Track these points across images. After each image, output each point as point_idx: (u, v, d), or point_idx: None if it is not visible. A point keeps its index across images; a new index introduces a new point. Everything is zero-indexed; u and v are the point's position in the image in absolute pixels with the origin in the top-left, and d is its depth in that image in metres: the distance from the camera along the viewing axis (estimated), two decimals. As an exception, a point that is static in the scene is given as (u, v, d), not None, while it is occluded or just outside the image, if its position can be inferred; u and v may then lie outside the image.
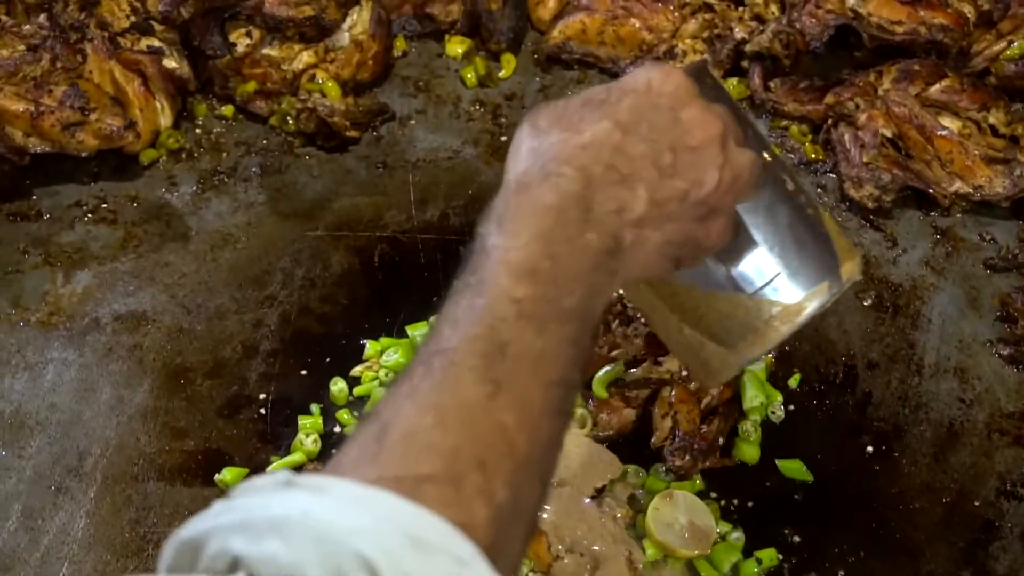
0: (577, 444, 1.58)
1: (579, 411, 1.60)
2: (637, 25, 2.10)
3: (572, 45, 2.13)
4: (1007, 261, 1.84)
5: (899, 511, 1.58)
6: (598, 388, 1.60)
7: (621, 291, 1.68)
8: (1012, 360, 1.72)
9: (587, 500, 1.52)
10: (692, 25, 2.10)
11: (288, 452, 1.62)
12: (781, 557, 1.52)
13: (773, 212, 1.14)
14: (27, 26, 1.95)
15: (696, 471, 1.58)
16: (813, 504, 1.58)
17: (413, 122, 2.07)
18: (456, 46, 2.17)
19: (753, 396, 1.64)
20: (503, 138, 2.04)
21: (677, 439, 1.57)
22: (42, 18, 1.97)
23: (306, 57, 2.05)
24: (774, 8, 2.10)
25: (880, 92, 1.94)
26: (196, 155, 2.01)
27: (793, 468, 1.60)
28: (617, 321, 1.63)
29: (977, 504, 1.58)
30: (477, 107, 2.09)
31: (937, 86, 1.94)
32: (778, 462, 1.61)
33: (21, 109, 1.86)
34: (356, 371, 1.70)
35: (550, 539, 1.47)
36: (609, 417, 1.61)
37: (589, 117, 0.98)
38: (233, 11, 2.03)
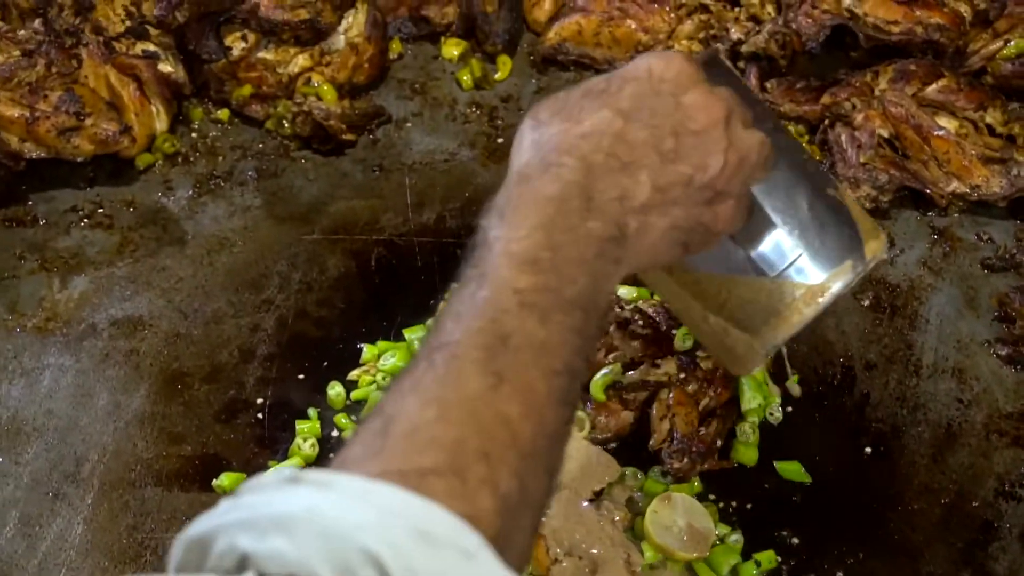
0: (575, 447, 1.57)
1: (577, 414, 1.60)
2: (633, 26, 2.10)
3: (568, 46, 2.12)
4: (1005, 261, 1.83)
5: (898, 512, 1.57)
6: (596, 391, 1.60)
7: (620, 292, 1.69)
8: (1010, 360, 1.72)
9: (585, 503, 1.51)
10: (688, 26, 2.09)
11: (286, 456, 1.61)
12: (780, 559, 1.52)
13: (792, 193, 1.13)
14: (22, 31, 1.95)
15: (694, 473, 1.58)
16: (812, 506, 1.58)
17: (409, 125, 2.07)
18: (452, 48, 2.17)
19: (751, 398, 1.64)
20: (500, 140, 2.03)
21: (675, 441, 1.57)
22: (37, 23, 1.96)
23: (302, 60, 2.05)
24: (770, 8, 2.10)
25: (877, 92, 1.94)
26: (192, 159, 2.00)
27: (791, 470, 1.60)
28: (614, 324, 1.62)
29: (976, 505, 1.57)
30: (473, 109, 2.09)
31: (934, 86, 1.93)
32: (776, 464, 1.60)
33: (16, 115, 1.86)
34: (353, 375, 1.70)
35: (548, 542, 1.46)
36: (607, 420, 1.61)
37: (589, 107, 0.98)
38: (228, 15, 2.02)
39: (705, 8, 2.11)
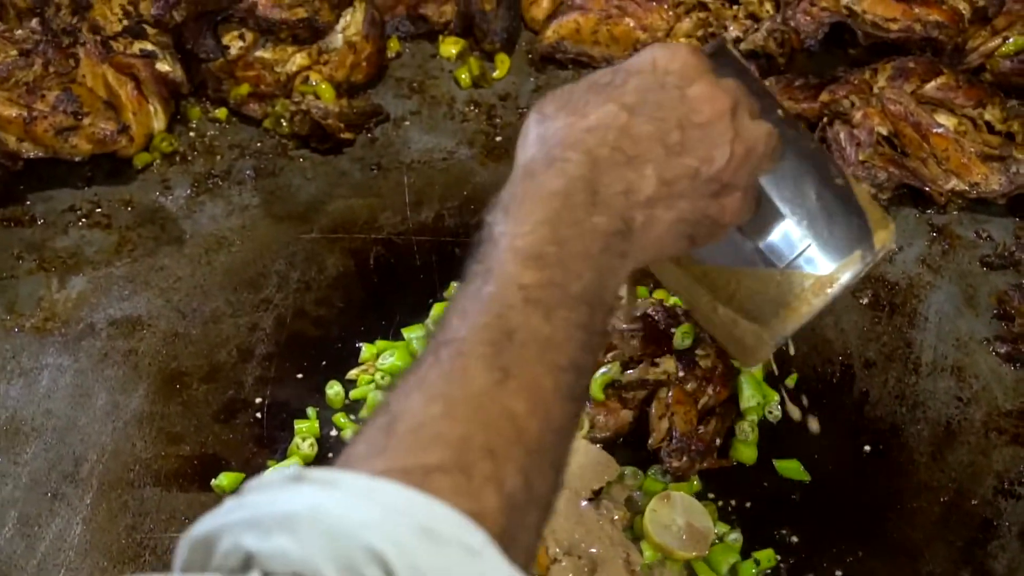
0: (574, 446, 1.57)
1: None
2: (631, 24, 2.10)
3: (566, 45, 2.12)
4: (1004, 258, 1.83)
5: (897, 511, 1.57)
6: (595, 390, 1.60)
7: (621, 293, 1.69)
8: (1009, 358, 1.72)
9: (584, 502, 1.51)
10: (686, 24, 2.09)
11: (284, 456, 1.61)
12: (779, 558, 1.52)
13: (800, 182, 1.12)
14: (19, 31, 1.95)
15: (693, 472, 1.57)
16: (811, 504, 1.58)
17: (407, 123, 2.07)
18: (450, 47, 2.16)
19: (750, 396, 1.64)
20: (498, 138, 2.03)
21: (674, 440, 1.57)
22: (34, 23, 1.96)
23: (299, 59, 2.05)
24: (768, 6, 2.10)
25: (875, 90, 1.94)
26: (190, 158, 2.00)
27: (790, 468, 1.60)
28: (611, 324, 1.62)
29: (975, 503, 1.57)
30: (471, 108, 2.09)
31: (932, 83, 1.93)
32: (775, 462, 1.60)
33: (14, 114, 1.86)
34: (352, 374, 1.70)
35: (547, 542, 1.46)
36: (606, 419, 1.61)
37: (594, 100, 0.97)
38: (226, 14, 2.02)
39: (703, 6, 2.11)
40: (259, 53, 2.04)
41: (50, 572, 1.51)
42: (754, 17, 2.09)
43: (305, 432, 1.63)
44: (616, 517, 1.51)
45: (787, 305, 1.14)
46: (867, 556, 1.53)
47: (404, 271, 1.84)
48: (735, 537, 1.53)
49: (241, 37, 2.03)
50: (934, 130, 1.88)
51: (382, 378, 1.67)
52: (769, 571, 1.51)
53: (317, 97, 2.01)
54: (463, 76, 2.11)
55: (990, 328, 1.76)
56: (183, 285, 1.82)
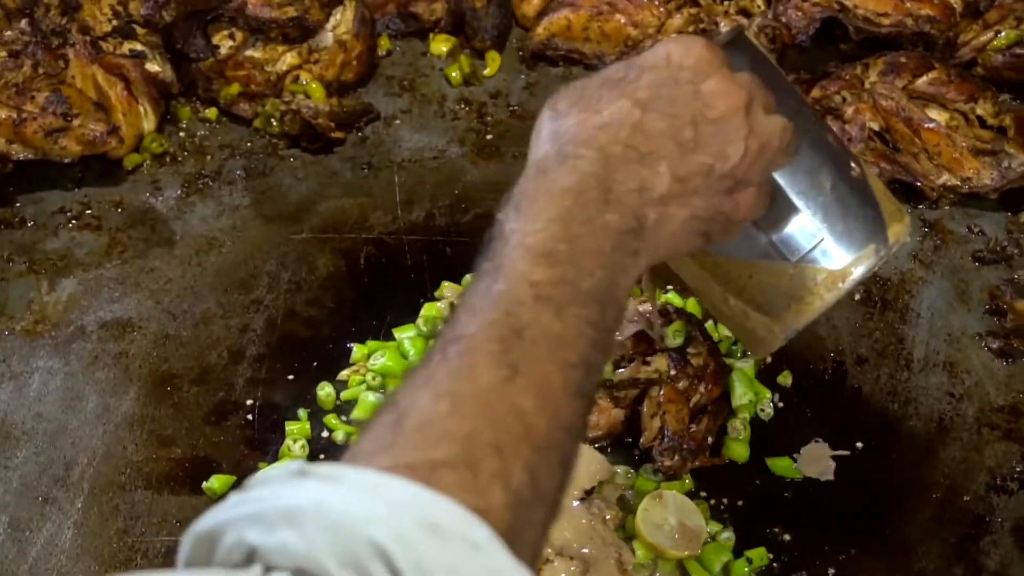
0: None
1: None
2: (622, 21, 2.09)
3: (557, 42, 2.12)
4: (996, 253, 1.83)
5: (889, 507, 1.57)
6: (586, 389, 1.59)
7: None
8: (1001, 353, 1.71)
9: (576, 502, 1.51)
10: (678, 20, 2.09)
11: (276, 458, 1.61)
12: (771, 556, 1.51)
13: (815, 175, 1.12)
14: (8, 32, 1.95)
15: (686, 471, 1.57)
16: (803, 502, 1.57)
17: (398, 122, 2.06)
18: (440, 44, 2.16)
19: (742, 394, 1.63)
20: (488, 136, 2.03)
21: (666, 439, 1.57)
22: (23, 23, 1.95)
23: (290, 58, 2.04)
24: (760, 1, 2.09)
25: (867, 85, 1.93)
26: (180, 159, 2.00)
27: (783, 466, 1.60)
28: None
29: (967, 499, 1.57)
30: (462, 106, 2.08)
31: (924, 78, 1.93)
32: (768, 460, 1.60)
33: (3, 116, 1.86)
34: (343, 375, 1.69)
35: (539, 542, 1.46)
36: (597, 418, 1.60)
37: (607, 96, 0.97)
38: (215, 13, 2.02)
39: (694, 2, 2.11)
40: (249, 52, 2.04)
41: (41, 576, 1.51)
42: (745, 12, 2.08)
43: (296, 434, 1.62)
44: (608, 516, 1.51)
45: (799, 299, 1.14)
46: (860, 554, 1.53)
47: (395, 271, 1.83)
48: (727, 536, 1.52)
49: (231, 36, 2.03)
50: (926, 125, 1.88)
51: (373, 379, 1.66)
52: (762, 569, 1.51)
53: (307, 96, 2.01)
54: (454, 74, 2.10)
55: (982, 323, 1.76)
56: (173, 287, 1.81)
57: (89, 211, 1.92)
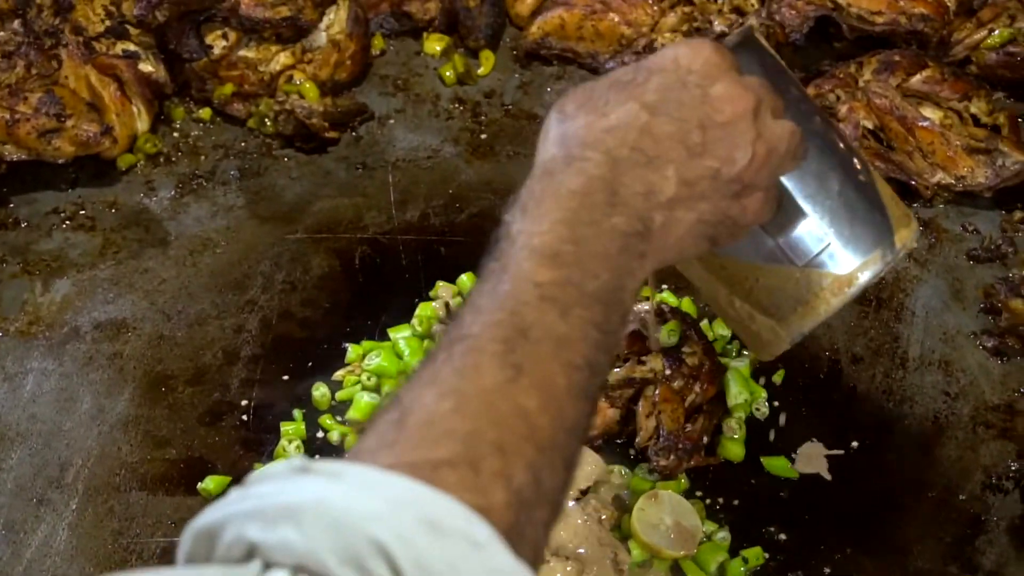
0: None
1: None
2: (616, 20, 2.09)
3: (551, 41, 2.11)
4: (990, 252, 1.83)
5: (885, 507, 1.57)
6: (581, 389, 1.59)
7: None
8: (996, 352, 1.71)
9: (571, 502, 1.51)
10: (671, 19, 2.09)
11: (271, 459, 1.61)
12: (767, 556, 1.51)
13: (823, 179, 1.12)
14: (1, 33, 1.94)
15: (681, 470, 1.57)
16: (799, 501, 1.57)
17: (392, 121, 2.06)
18: (434, 44, 2.16)
19: (737, 393, 1.63)
20: (483, 136, 2.03)
21: (662, 439, 1.57)
22: (16, 24, 1.95)
23: (283, 58, 2.04)
24: (754, 0, 2.09)
25: (861, 83, 1.93)
26: (174, 159, 1.99)
27: (778, 465, 1.60)
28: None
29: (963, 498, 1.57)
30: (456, 105, 2.08)
31: (918, 76, 1.93)
32: (763, 460, 1.60)
33: (-4, 117, 1.85)
34: (338, 375, 1.69)
35: (535, 543, 1.46)
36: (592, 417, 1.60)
37: (615, 99, 0.98)
38: (209, 13, 2.01)
39: (688, 0, 2.10)
40: (242, 52, 2.03)
41: (36, 578, 1.50)
42: (739, 11, 2.08)
43: (291, 434, 1.62)
44: (603, 517, 1.51)
45: (805, 303, 1.14)
46: (855, 553, 1.53)
47: (390, 271, 1.83)
48: (723, 536, 1.52)
49: (224, 36, 2.02)
50: (920, 123, 1.88)
51: (368, 379, 1.66)
52: (757, 569, 1.51)
53: (301, 96, 2.00)
54: (448, 73, 2.10)
55: (977, 322, 1.76)
56: (168, 287, 1.81)
57: (83, 212, 1.91)
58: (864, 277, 1.13)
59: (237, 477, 1.58)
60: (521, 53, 2.15)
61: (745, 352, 1.68)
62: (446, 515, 0.72)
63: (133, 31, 1.97)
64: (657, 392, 1.58)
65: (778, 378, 1.68)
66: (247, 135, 2.03)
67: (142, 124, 1.97)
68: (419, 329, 1.71)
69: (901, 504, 1.57)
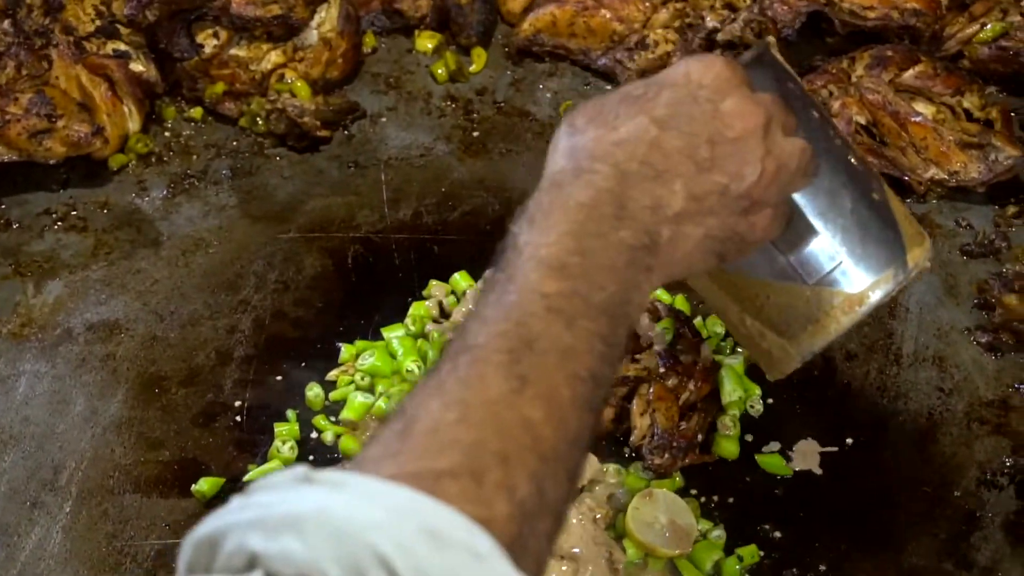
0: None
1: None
2: (608, 16, 2.09)
3: (543, 37, 2.11)
4: (984, 247, 1.83)
5: (880, 503, 1.57)
6: (575, 388, 1.59)
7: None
8: (990, 348, 1.71)
9: (566, 502, 1.50)
10: (663, 15, 2.08)
11: (265, 460, 1.60)
12: (762, 553, 1.51)
13: (835, 197, 1.11)
14: (-9, 33, 1.94)
15: (676, 468, 1.57)
16: (794, 499, 1.57)
17: (384, 120, 2.05)
18: (426, 41, 2.15)
19: (732, 390, 1.63)
20: (475, 133, 2.02)
21: (656, 437, 1.56)
22: (6, 24, 1.94)
23: (274, 57, 2.03)
24: (746, -4, 2.09)
25: (853, 79, 1.93)
26: (166, 159, 1.99)
27: (773, 463, 1.60)
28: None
29: (958, 495, 1.57)
30: (448, 102, 2.08)
31: (910, 71, 1.93)
32: (758, 457, 1.60)
33: (-14, 118, 1.85)
34: (332, 375, 1.69)
35: (530, 543, 1.45)
36: (587, 416, 1.60)
37: (625, 113, 0.98)
38: (199, 12, 2.01)
39: (680, -4, 2.10)
40: (234, 51, 2.03)
41: (30, 582, 1.50)
42: (731, 7, 2.08)
43: (285, 435, 1.62)
44: (598, 515, 1.51)
45: (816, 321, 1.14)
46: (850, 550, 1.53)
47: (383, 270, 1.83)
48: (718, 534, 1.52)
49: (215, 35, 2.02)
50: (912, 119, 1.88)
51: (362, 379, 1.66)
52: (753, 567, 1.51)
53: (293, 95, 2.00)
54: (439, 71, 2.10)
55: (971, 317, 1.76)
56: (160, 288, 1.80)
57: (74, 212, 1.91)
58: (875, 296, 1.13)
59: (231, 479, 1.58)
60: (513, 50, 2.14)
61: (739, 350, 1.68)
62: (447, 526, 0.72)
63: (124, 30, 1.97)
64: (651, 390, 1.58)
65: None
66: (239, 134, 2.02)
67: (133, 124, 1.96)
68: (413, 328, 1.70)
69: (896, 500, 1.57)
